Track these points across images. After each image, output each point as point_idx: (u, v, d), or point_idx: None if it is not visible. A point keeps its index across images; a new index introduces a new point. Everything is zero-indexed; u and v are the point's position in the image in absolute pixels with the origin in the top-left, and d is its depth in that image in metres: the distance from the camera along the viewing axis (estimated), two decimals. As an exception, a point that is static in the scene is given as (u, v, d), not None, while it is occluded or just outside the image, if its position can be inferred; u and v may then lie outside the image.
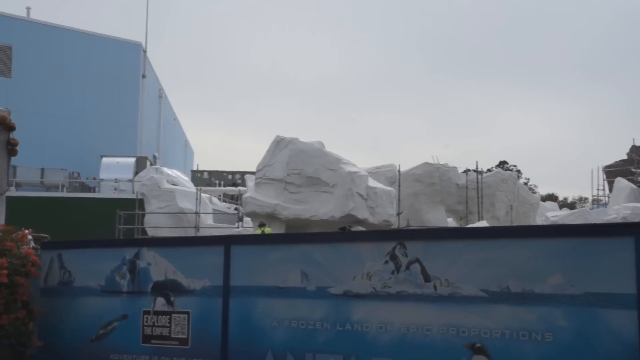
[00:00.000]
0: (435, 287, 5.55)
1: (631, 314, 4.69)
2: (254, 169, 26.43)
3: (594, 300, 4.87)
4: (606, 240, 4.97)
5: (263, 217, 23.32)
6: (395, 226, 24.80)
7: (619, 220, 27.38)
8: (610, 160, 49.14)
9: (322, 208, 23.51)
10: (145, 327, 7.06)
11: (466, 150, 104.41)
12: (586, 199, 65.91)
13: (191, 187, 32.03)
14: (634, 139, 48.68)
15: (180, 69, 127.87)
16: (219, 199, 36.46)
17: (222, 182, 47.49)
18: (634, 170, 44.92)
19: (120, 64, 47.22)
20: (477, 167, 32.21)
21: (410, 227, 26.18)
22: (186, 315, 6.84)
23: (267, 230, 21.47)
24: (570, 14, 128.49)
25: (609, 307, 4.79)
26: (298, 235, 11.89)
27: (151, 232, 27.66)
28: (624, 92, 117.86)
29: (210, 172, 51.60)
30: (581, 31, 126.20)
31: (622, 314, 4.73)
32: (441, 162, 31.34)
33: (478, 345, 5.29)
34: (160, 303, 7.03)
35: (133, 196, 31.10)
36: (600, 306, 4.83)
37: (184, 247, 7.29)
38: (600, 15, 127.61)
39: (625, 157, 48.18)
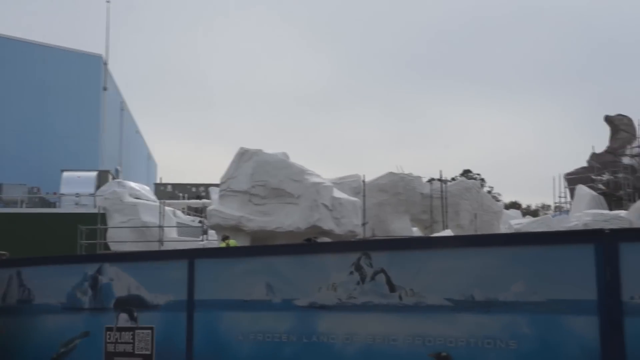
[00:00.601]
0: (400, 297, 5.55)
1: (592, 320, 4.74)
2: (218, 181, 26.29)
3: (557, 307, 4.90)
4: (567, 247, 5.02)
5: (228, 230, 23.18)
6: (360, 236, 24.86)
7: (580, 227, 27.80)
8: (571, 168, 50.01)
9: (287, 219, 23.46)
10: (107, 344, 6.93)
11: (430, 160, 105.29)
12: (549, 206, 66.82)
13: (154, 201, 31.74)
14: (593, 147, 49.65)
15: (142, 81, 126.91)
16: (183, 212, 36.19)
17: (186, 195, 47.21)
18: (594, 177, 45.71)
19: (80, 77, 46.73)
20: (441, 176, 32.50)
21: (376, 238, 26.25)
22: (150, 331, 6.73)
23: (232, 242, 21.35)
24: (527, 26, 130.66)
25: (571, 314, 4.83)
26: (262, 247, 11.84)
27: (114, 247, 27.31)
28: (584, 100, 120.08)
29: (173, 185, 51.23)
30: (539, 41, 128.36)
31: (583, 319, 4.77)
32: (405, 172, 31.55)
33: (444, 354, 5.29)
34: (123, 319, 6.92)
35: (95, 211, 30.69)
36: (562, 313, 4.87)
37: (147, 262, 7.20)
38: (556, 25, 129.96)
39: (585, 164, 49.06)
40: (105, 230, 28.67)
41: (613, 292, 4.70)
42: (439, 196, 30.76)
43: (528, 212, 69.40)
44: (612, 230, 4.91)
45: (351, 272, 5.79)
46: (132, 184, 34.07)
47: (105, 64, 47.97)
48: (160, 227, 27.56)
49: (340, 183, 28.21)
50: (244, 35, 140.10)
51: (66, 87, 45.60)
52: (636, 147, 46.51)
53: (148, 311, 6.78)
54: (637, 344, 4.58)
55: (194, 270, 6.63)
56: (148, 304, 6.79)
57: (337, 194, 24.05)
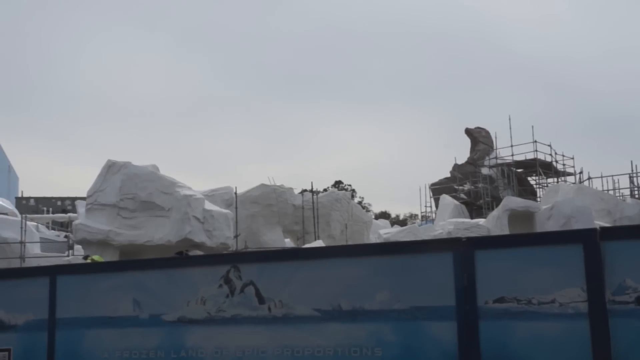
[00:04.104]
0: (269, 309, 5.59)
1: (451, 325, 4.96)
2: (84, 195, 25.36)
3: (419, 313, 5.10)
4: (427, 255, 5.24)
5: (95, 244, 22.43)
6: (233, 249, 24.74)
7: (444, 235, 29.02)
8: (436, 178, 52.18)
9: (157, 233, 23.00)
10: (-41, 369, 6.53)
11: (302, 171, 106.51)
12: (416, 215, 69.31)
13: (15, 215, 30.18)
14: (455, 158, 52.07)
15: (2, 90, 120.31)
16: (47, 227, 34.60)
17: (50, 209, 45.17)
18: (456, 187, 47.92)
19: None
20: (312, 188, 32.95)
21: (248, 250, 26.22)
22: (7, 353, 6.41)
23: (96, 258, 20.63)
24: (392, 40, 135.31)
25: (432, 320, 5.04)
26: (128, 262, 11.56)
27: (-30, 265, 25.66)
28: (446, 113, 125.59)
29: (37, 199, 48.96)
30: (403, 55, 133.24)
31: (443, 325, 4.99)
32: (277, 184, 31.75)
33: (311, 363, 5.37)
34: (-24, 342, 6.53)
35: (-52, 227, 28.69)
36: (424, 319, 5.07)
37: (3, 280, 6.84)
38: (418, 39, 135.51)
39: (448, 175, 51.33)
40: (-40, 247, 26.92)
41: (469, 298, 4.95)
42: (310, 207, 31.14)
43: (397, 221, 71.51)
44: (469, 239, 5.18)
45: (220, 285, 5.78)
46: (-10, 198, 32.23)
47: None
48: (22, 243, 26.20)
49: (211, 195, 27.96)
50: (112, 45, 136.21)
51: None
52: (494, 158, 49.22)
53: (5, 332, 6.45)
54: (491, 347, 4.85)
55: (55, 288, 6.39)
56: (4, 325, 6.47)
57: (209, 206, 23.84)
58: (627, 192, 43.57)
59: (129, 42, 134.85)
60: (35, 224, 30.90)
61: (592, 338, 4.58)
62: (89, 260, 20.16)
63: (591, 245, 4.68)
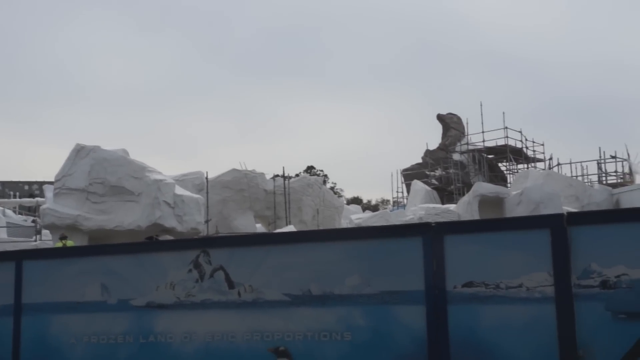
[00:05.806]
0: (239, 294, 5.58)
1: (420, 309, 4.99)
2: (52, 179, 25.03)
3: (388, 298, 5.12)
4: (397, 240, 5.26)
5: (63, 229, 22.14)
6: (203, 234, 24.64)
7: (415, 221, 29.17)
8: (407, 164, 52.44)
9: (127, 218, 22.80)
10: None
11: (274, 156, 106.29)
12: (388, 201, 69.53)
13: (-19, 199, 29.76)
14: (427, 144, 52.34)
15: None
16: (14, 212, 34.15)
17: (17, 194, 44.55)
18: (428, 172, 48.24)
19: None
20: (284, 173, 32.90)
21: (219, 234, 26.15)
22: (-28, 339, 6.32)
23: (69, 243, 20.39)
24: (361, 25, 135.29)
25: (401, 304, 5.07)
26: (97, 247, 11.45)
27: None
28: (417, 98, 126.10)
29: (3, 183, 48.25)
30: (376, 40, 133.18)
31: (412, 309, 5.02)
32: (249, 169, 31.64)
33: (282, 348, 5.38)
34: (-61, 328, 6.42)
35: None
36: (393, 303, 5.10)
37: (-33, 266, 6.73)
38: (393, 24, 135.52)
39: (420, 160, 51.62)
40: None
41: (438, 283, 4.98)
42: (282, 192, 31.10)
43: (368, 207, 71.74)
44: (438, 224, 5.20)
45: (190, 270, 5.75)
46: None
47: None
48: (-12, 227, 25.86)
49: (182, 180, 27.76)
50: (83, 26, 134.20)
51: None
52: (465, 144, 49.57)
53: (-32, 318, 6.35)
54: (459, 331, 4.89)
55: (21, 273, 6.31)
56: (-32, 311, 6.37)
57: (179, 191, 23.69)
58: (595, 178, 44.24)
59: (98, 25, 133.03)
60: (1, 208, 30.53)
61: (558, 321, 4.64)
62: (64, 242, 19.92)
63: (558, 230, 4.73)
